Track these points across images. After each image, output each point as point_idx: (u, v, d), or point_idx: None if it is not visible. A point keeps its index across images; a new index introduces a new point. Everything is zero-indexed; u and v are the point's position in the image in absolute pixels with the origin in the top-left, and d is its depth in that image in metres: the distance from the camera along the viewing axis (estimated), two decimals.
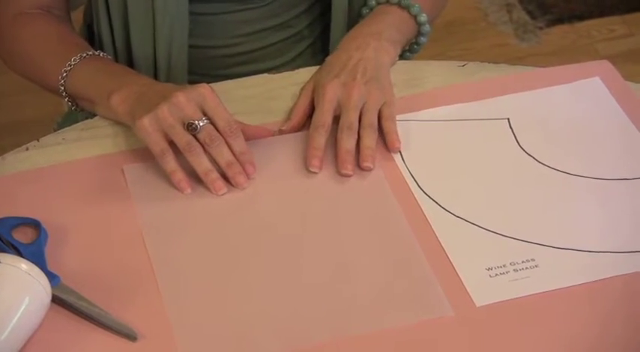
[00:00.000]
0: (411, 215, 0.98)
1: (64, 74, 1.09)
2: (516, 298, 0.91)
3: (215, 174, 1.00)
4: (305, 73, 1.14)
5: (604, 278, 0.92)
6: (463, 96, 1.11)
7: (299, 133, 1.07)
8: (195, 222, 0.98)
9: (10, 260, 0.87)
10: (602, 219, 0.98)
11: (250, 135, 1.04)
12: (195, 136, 0.99)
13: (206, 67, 1.21)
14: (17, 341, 0.85)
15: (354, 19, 1.20)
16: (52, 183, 1.01)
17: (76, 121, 1.11)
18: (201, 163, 1.00)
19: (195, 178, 1.01)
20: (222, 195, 1.00)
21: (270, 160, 1.04)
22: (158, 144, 0.99)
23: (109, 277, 0.93)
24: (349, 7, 1.19)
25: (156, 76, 1.17)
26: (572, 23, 2.36)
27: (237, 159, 1.01)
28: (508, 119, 1.08)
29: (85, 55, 1.10)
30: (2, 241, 0.94)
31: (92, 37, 1.23)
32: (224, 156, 1.00)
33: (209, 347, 0.88)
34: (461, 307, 0.90)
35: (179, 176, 1.00)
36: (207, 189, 1.00)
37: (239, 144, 1.01)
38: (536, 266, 0.93)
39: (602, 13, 2.38)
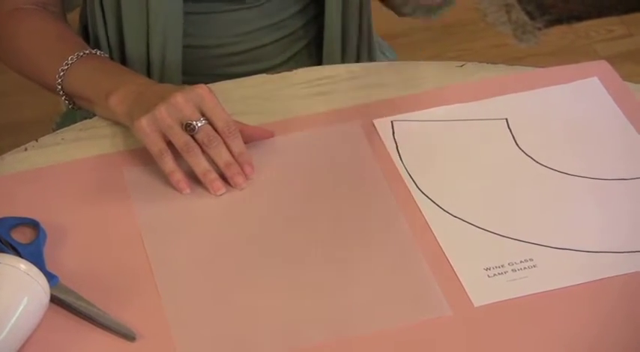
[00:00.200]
0: (409, 215, 0.98)
1: (62, 73, 1.09)
2: (514, 298, 0.91)
3: (213, 175, 1.00)
4: (303, 74, 1.14)
5: (602, 279, 0.92)
6: (461, 96, 1.11)
7: (298, 133, 1.07)
8: (193, 222, 0.98)
9: (9, 260, 0.87)
10: (600, 219, 0.98)
11: (249, 136, 1.04)
12: (193, 137, 0.99)
13: (201, 67, 1.21)
14: (16, 341, 0.86)
15: (348, 21, 1.20)
16: (50, 184, 1.02)
17: (75, 121, 1.11)
18: (200, 164, 1.00)
19: (194, 179, 1.01)
20: (221, 195, 1.00)
21: (269, 161, 1.04)
22: (156, 145, 0.99)
23: (108, 277, 0.93)
24: (343, 10, 1.19)
25: (149, 76, 1.17)
26: (570, 24, 2.36)
27: (236, 160, 1.01)
28: (506, 119, 1.09)
29: (82, 53, 1.10)
30: (1, 241, 0.95)
31: (88, 39, 1.23)
32: (222, 156, 1.00)
33: (207, 347, 0.88)
34: (459, 307, 0.90)
35: (178, 176, 1.00)
36: (206, 189, 1.00)
37: (237, 144, 1.01)
38: (534, 266, 0.94)
39: (600, 13, 2.38)
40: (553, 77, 1.13)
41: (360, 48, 1.24)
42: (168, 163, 1.00)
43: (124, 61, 1.18)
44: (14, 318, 0.85)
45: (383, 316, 0.90)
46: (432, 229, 0.97)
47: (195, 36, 1.19)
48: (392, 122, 1.08)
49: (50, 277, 0.90)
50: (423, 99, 1.10)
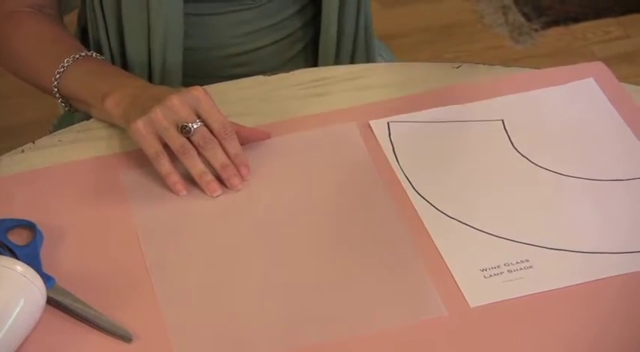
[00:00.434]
0: (405, 216, 0.98)
1: (58, 75, 1.09)
2: (510, 299, 0.91)
3: (209, 176, 1.00)
4: (300, 75, 1.14)
5: (598, 279, 0.93)
6: (457, 97, 1.11)
7: (294, 135, 1.07)
8: (190, 223, 0.98)
9: (6, 262, 0.87)
10: (596, 220, 0.98)
11: (245, 137, 1.04)
12: (189, 139, 0.99)
13: (201, 69, 1.21)
14: (12, 342, 0.86)
15: (345, 21, 1.20)
16: (47, 185, 1.02)
17: (72, 123, 1.11)
18: (196, 166, 1.00)
19: (191, 181, 1.01)
20: (217, 196, 1.00)
21: (265, 162, 1.04)
22: (152, 147, 0.99)
23: (105, 279, 0.93)
24: (340, 10, 1.19)
25: (150, 78, 1.17)
26: (567, 25, 2.35)
27: (232, 162, 1.01)
28: (502, 120, 1.09)
29: (78, 56, 1.10)
30: None
31: (87, 40, 1.23)
32: (218, 158, 1.00)
33: (204, 349, 0.88)
34: (455, 308, 0.90)
35: (174, 178, 1.00)
36: (202, 191, 1.00)
37: (233, 146, 1.01)
38: (530, 267, 0.94)
39: (597, 15, 2.37)
40: (549, 78, 1.13)
41: (355, 49, 1.24)
42: (165, 165, 1.00)
43: (124, 62, 1.18)
44: (11, 320, 0.85)
45: (379, 317, 0.90)
46: (428, 230, 0.97)
47: (196, 37, 1.19)
48: (388, 123, 1.08)
49: (47, 279, 0.90)
50: (420, 101, 1.10)
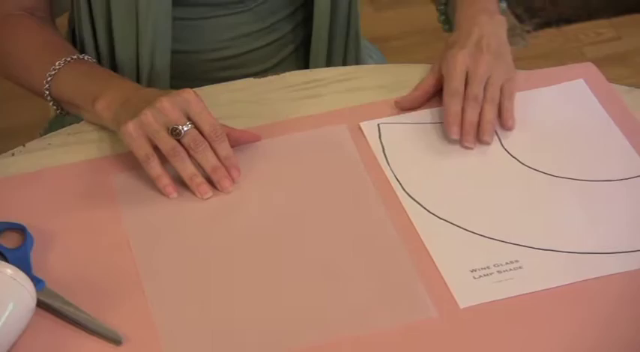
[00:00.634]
0: (395, 217, 0.98)
1: (49, 78, 1.09)
2: (500, 299, 0.91)
3: (200, 179, 1.00)
4: (291, 77, 1.14)
5: (587, 279, 0.93)
6: None
7: (285, 137, 1.07)
8: (181, 226, 0.98)
9: None
10: (586, 220, 0.98)
11: (235, 139, 1.04)
12: (179, 141, 1.00)
13: (190, 72, 1.21)
14: (2, 345, 0.86)
15: (335, 24, 1.20)
16: (38, 188, 1.02)
17: (63, 126, 1.11)
18: (186, 168, 1.00)
19: (181, 183, 1.01)
20: (208, 199, 1.00)
21: (256, 164, 1.04)
22: (143, 149, 0.99)
23: (95, 281, 0.93)
24: (331, 13, 1.19)
25: (138, 81, 1.17)
26: (559, 27, 2.36)
27: (223, 164, 1.01)
28: None
29: (69, 59, 1.10)
30: None
31: (77, 42, 1.23)
32: (209, 160, 1.00)
33: (195, 351, 0.88)
34: (445, 309, 0.91)
35: (165, 181, 1.00)
36: (193, 193, 1.00)
37: (224, 148, 1.01)
38: (519, 267, 0.94)
39: (589, 16, 2.38)
40: (539, 79, 1.14)
41: (347, 51, 1.24)
42: (155, 168, 1.00)
43: (113, 65, 1.18)
44: (0, 323, 0.85)
45: (369, 318, 0.90)
46: (418, 231, 0.97)
47: (186, 41, 1.19)
48: (378, 125, 1.08)
49: (37, 281, 0.90)
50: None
